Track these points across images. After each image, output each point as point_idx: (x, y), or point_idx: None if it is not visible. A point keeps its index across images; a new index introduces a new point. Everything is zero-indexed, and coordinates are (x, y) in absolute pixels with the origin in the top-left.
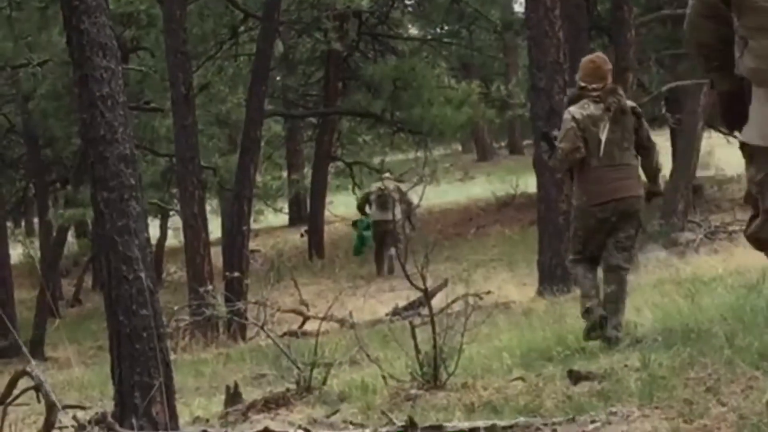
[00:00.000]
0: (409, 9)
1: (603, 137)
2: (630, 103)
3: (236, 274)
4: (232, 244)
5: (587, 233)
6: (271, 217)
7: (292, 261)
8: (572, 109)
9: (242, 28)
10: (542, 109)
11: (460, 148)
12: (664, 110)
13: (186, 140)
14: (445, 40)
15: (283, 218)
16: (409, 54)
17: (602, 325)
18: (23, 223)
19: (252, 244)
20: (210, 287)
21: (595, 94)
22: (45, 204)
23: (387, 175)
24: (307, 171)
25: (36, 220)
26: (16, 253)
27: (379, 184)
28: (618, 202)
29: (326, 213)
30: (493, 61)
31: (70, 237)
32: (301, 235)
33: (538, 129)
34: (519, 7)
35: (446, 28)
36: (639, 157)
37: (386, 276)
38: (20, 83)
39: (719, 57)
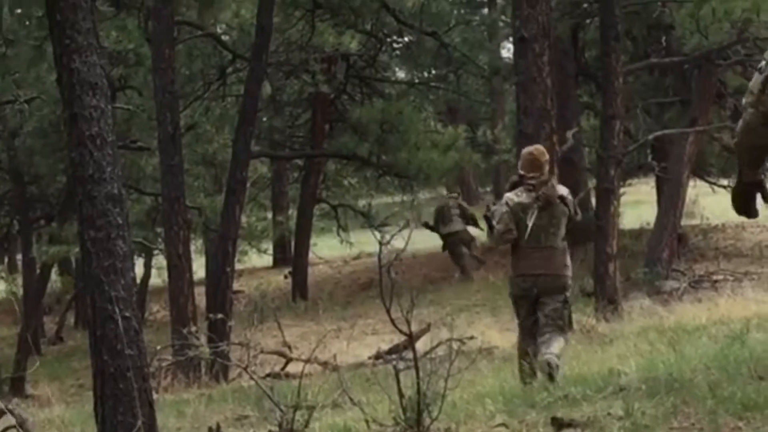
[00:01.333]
0: (397, 53)
1: (530, 223)
2: (561, 190)
3: (220, 315)
4: (216, 285)
5: (516, 301)
6: (255, 258)
7: (276, 302)
8: (508, 195)
9: (230, 69)
10: None
11: (445, 192)
12: (650, 158)
13: (172, 180)
14: (433, 84)
15: (267, 259)
16: (397, 97)
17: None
18: (6, 260)
19: (236, 285)
20: (194, 328)
21: (530, 183)
22: (29, 241)
23: (450, 194)
24: (292, 212)
25: (19, 256)
26: None
27: (443, 202)
28: (537, 277)
29: (310, 255)
30: (480, 106)
31: (54, 274)
32: (285, 277)
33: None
34: (507, 53)
35: (434, 72)
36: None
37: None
38: (7, 120)
39: (763, 157)
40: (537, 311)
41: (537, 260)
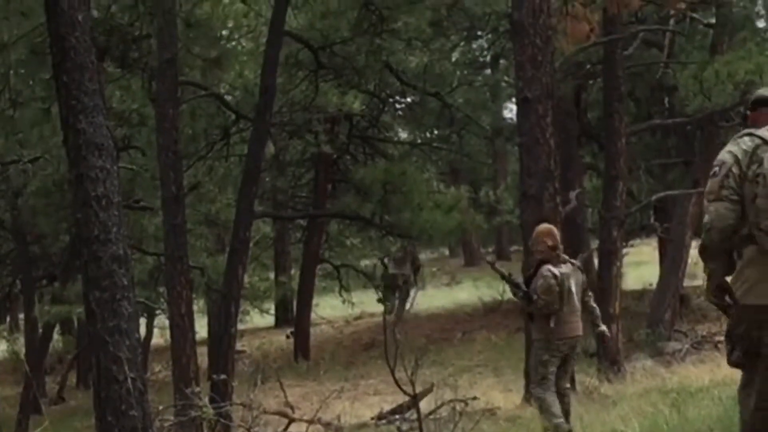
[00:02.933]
0: (400, 113)
1: (574, 289)
2: (576, 262)
3: (222, 376)
4: (218, 345)
5: (549, 361)
6: (257, 318)
7: (278, 362)
8: (550, 267)
9: (234, 129)
10: (532, 216)
11: (447, 252)
12: (652, 219)
13: (175, 239)
14: (435, 144)
15: (269, 319)
16: (399, 158)
17: None
18: (8, 319)
19: (237, 345)
20: (197, 388)
21: (562, 257)
22: (31, 300)
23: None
24: (295, 272)
25: (21, 316)
26: (0, 349)
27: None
28: (574, 339)
29: (312, 315)
30: (482, 166)
31: (55, 334)
32: (287, 337)
33: (529, 236)
34: (509, 114)
35: (436, 132)
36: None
37: None
38: (10, 179)
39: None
40: (559, 368)
41: (574, 323)
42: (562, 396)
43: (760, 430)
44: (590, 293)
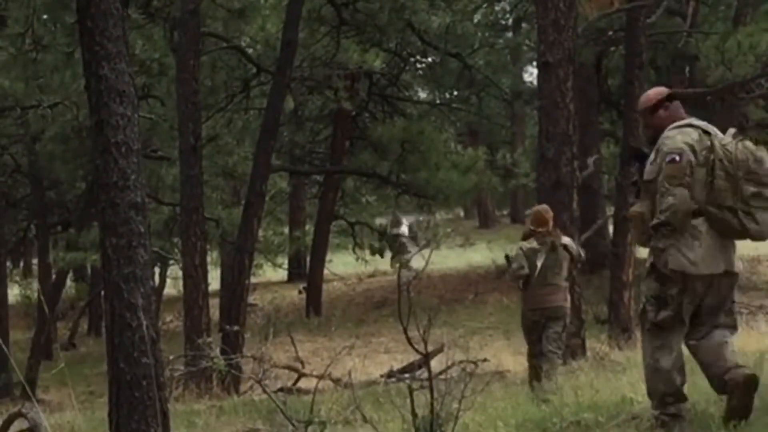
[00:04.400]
0: (420, 72)
1: (539, 263)
2: (564, 239)
3: (235, 327)
4: (230, 297)
5: (528, 329)
6: (270, 272)
7: (289, 317)
8: (522, 243)
9: (254, 82)
10: (548, 180)
11: (462, 213)
12: None
13: (191, 190)
14: (454, 105)
15: (282, 274)
16: (418, 117)
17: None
18: (22, 264)
19: (250, 298)
20: (209, 339)
21: (539, 233)
22: (45, 246)
23: None
24: (309, 228)
25: (35, 261)
26: (13, 293)
27: None
28: (545, 309)
29: (325, 271)
30: (500, 128)
31: (68, 280)
32: (300, 292)
33: (544, 200)
34: (529, 77)
35: (456, 93)
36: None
37: None
38: (29, 124)
39: None
40: (542, 334)
41: (544, 295)
42: (544, 357)
43: (673, 388)
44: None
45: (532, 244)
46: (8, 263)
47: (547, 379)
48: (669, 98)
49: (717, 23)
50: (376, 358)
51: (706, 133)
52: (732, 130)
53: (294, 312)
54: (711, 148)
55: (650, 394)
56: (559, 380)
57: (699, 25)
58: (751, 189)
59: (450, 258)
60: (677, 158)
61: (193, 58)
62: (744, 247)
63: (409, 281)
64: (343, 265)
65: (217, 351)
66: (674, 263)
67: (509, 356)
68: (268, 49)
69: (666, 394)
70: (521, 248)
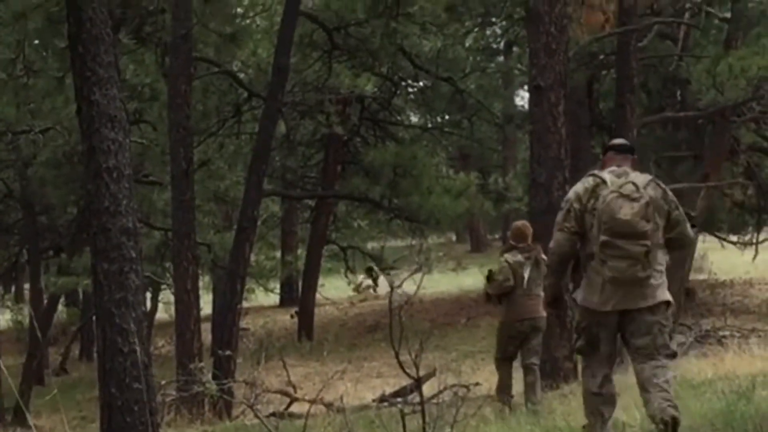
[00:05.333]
0: (412, 97)
1: (526, 275)
2: (544, 255)
3: (227, 352)
4: (222, 322)
5: (509, 338)
6: (262, 297)
7: (281, 341)
8: (507, 255)
9: (246, 107)
10: (540, 204)
11: (454, 237)
12: None
13: (183, 215)
14: (446, 129)
15: (274, 298)
16: (410, 141)
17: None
18: (13, 289)
19: (242, 323)
20: (201, 364)
21: (520, 247)
22: (37, 271)
23: None
24: (301, 253)
25: (27, 286)
26: (4, 318)
27: None
28: (532, 320)
29: (317, 295)
30: (492, 153)
31: (60, 305)
32: (292, 316)
33: (536, 224)
34: (521, 101)
35: (447, 117)
36: None
37: None
38: (20, 149)
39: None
40: (524, 346)
41: (530, 306)
42: (527, 370)
43: (594, 409)
44: None
45: (517, 257)
46: (0, 288)
47: (532, 392)
48: (609, 149)
49: (708, 47)
50: (368, 383)
51: (603, 182)
52: (647, 178)
53: (286, 336)
54: (596, 198)
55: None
56: (545, 396)
57: (690, 48)
58: (603, 238)
59: (442, 282)
60: (563, 205)
61: (185, 83)
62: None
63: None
64: (335, 289)
65: (209, 376)
66: (579, 298)
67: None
68: (260, 73)
69: (589, 413)
70: (506, 261)
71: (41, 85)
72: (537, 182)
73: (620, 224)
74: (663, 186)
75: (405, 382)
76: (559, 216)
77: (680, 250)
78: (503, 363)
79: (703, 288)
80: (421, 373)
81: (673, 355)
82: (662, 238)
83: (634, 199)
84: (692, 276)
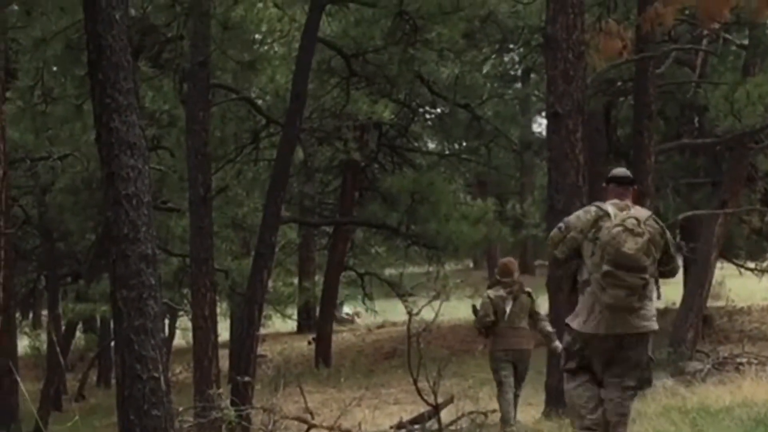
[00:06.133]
0: (429, 123)
1: (507, 309)
2: (526, 288)
3: (246, 378)
4: (240, 348)
5: (498, 368)
6: (280, 323)
7: (299, 368)
8: (489, 291)
9: (263, 134)
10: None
11: (471, 264)
12: (678, 238)
13: (201, 242)
14: (464, 156)
15: (292, 324)
16: (427, 168)
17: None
18: (31, 316)
19: (259, 349)
20: (218, 390)
21: (504, 282)
22: (55, 297)
23: None
24: (319, 279)
25: (45, 312)
26: (22, 344)
27: None
28: (515, 351)
29: (335, 322)
30: (509, 179)
31: (78, 332)
32: (309, 343)
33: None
34: (538, 128)
35: (465, 144)
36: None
37: None
38: (39, 176)
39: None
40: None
41: (512, 338)
42: (515, 396)
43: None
44: (541, 315)
45: (499, 292)
46: (18, 314)
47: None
48: (611, 180)
49: (726, 74)
50: (386, 409)
51: (607, 215)
52: (646, 213)
53: (303, 363)
54: (599, 229)
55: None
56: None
57: (708, 75)
58: (606, 268)
59: (459, 309)
60: (560, 226)
61: (203, 109)
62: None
63: (419, 332)
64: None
65: (227, 402)
66: (575, 323)
67: (519, 407)
68: (278, 100)
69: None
70: (488, 296)
71: (59, 111)
72: (555, 209)
73: (624, 257)
74: (660, 223)
75: (423, 408)
76: (555, 234)
77: (668, 278)
78: (499, 392)
79: (720, 315)
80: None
81: (648, 382)
82: (656, 271)
83: (637, 234)
84: (710, 303)
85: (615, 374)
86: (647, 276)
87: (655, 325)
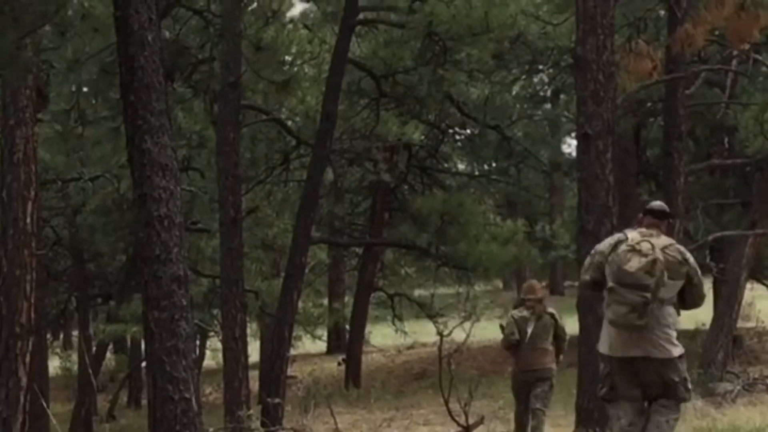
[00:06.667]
0: (459, 144)
1: (529, 330)
2: (550, 310)
3: (277, 400)
4: (270, 369)
5: (518, 387)
6: (309, 344)
7: (329, 389)
8: (513, 311)
9: (294, 154)
10: (589, 251)
11: (501, 285)
12: (708, 259)
13: (231, 263)
14: (493, 176)
15: (321, 345)
16: (457, 189)
17: None
18: (62, 336)
19: (289, 370)
20: (249, 411)
21: (528, 303)
22: (86, 318)
23: None
24: (348, 300)
25: (75, 333)
26: (53, 365)
27: None
28: (536, 371)
29: (364, 343)
30: (539, 200)
31: (108, 352)
32: (339, 364)
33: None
34: (568, 148)
35: (494, 164)
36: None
37: None
38: (70, 197)
39: None
40: (530, 392)
41: (534, 358)
42: (533, 414)
43: None
44: (563, 337)
45: (522, 312)
46: (49, 335)
47: None
48: (648, 212)
49: (756, 94)
50: (415, 430)
51: (626, 238)
52: (667, 241)
53: (333, 384)
54: (615, 251)
55: None
56: None
57: (738, 96)
58: (610, 284)
59: (489, 329)
60: (591, 252)
61: (234, 130)
62: None
63: (450, 353)
64: (382, 336)
65: (258, 423)
66: (600, 347)
67: (548, 428)
68: (308, 121)
69: None
70: (512, 317)
71: (91, 133)
72: (585, 229)
73: (625, 275)
74: (683, 251)
75: (452, 429)
76: (587, 260)
77: (691, 309)
78: (517, 413)
79: (750, 336)
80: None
81: (684, 400)
82: (674, 298)
83: (643, 255)
84: (740, 324)
85: (650, 396)
86: (648, 295)
87: (670, 353)
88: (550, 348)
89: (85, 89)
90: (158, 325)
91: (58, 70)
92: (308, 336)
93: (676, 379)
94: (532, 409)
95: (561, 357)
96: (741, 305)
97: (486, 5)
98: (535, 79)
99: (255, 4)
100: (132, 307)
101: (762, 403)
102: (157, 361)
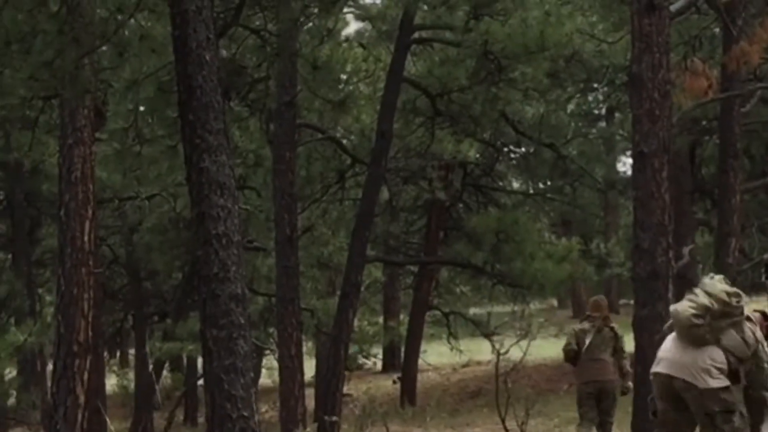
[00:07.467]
0: (514, 162)
1: (588, 340)
2: (612, 324)
3: (334, 418)
4: (326, 387)
5: (580, 401)
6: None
7: (384, 407)
8: (576, 325)
9: (349, 173)
10: (644, 270)
11: (555, 303)
12: (764, 277)
13: (287, 281)
14: (548, 195)
15: (377, 364)
16: (512, 207)
17: None
18: (118, 354)
19: (344, 388)
20: (306, 429)
21: (592, 317)
22: (142, 336)
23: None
24: (404, 318)
25: (132, 351)
26: (109, 383)
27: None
28: (596, 382)
29: (420, 361)
30: (594, 218)
31: (164, 370)
32: (394, 382)
33: (640, 290)
34: (623, 166)
35: (549, 183)
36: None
37: None
38: (126, 216)
39: None
40: (598, 406)
41: (594, 370)
42: (602, 427)
43: None
44: (624, 353)
45: (584, 325)
46: (106, 353)
47: None
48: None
49: None
50: None
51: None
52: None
53: (389, 402)
54: None
55: None
56: None
57: None
58: None
59: (544, 348)
60: None
61: (289, 149)
62: None
63: (507, 372)
64: (437, 355)
65: None
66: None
67: None
68: (363, 139)
69: None
70: (573, 329)
71: (148, 152)
72: (641, 248)
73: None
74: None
75: None
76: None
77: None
78: (582, 425)
79: None
80: None
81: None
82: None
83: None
84: None
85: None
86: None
87: (713, 383)
88: (610, 360)
89: (142, 108)
90: (216, 343)
91: (116, 90)
92: (364, 354)
93: (725, 408)
94: (601, 422)
95: (625, 369)
96: None
97: (542, 24)
98: (590, 98)
99: (311, 24)
100: (188, 325)
101: None
102: (216, 380)
